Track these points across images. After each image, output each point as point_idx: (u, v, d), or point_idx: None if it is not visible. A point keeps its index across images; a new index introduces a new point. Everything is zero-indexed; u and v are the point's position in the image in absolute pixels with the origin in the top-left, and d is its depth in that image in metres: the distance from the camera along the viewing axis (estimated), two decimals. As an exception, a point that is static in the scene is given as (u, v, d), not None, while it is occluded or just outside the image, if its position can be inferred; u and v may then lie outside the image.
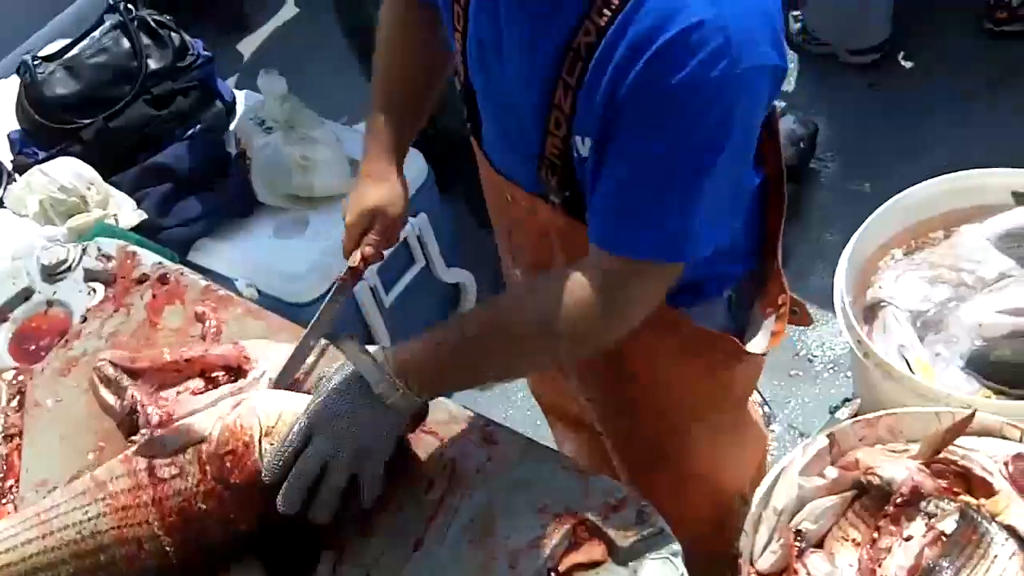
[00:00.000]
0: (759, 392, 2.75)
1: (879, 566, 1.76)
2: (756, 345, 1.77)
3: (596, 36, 1.33)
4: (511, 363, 1.53)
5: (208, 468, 1.48)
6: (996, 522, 1.72)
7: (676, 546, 1.36)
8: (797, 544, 1.85)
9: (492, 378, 1.62)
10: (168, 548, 1.49)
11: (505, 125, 1.58)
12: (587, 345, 1.48)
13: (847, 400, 2.56)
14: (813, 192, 3.24)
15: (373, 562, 1.48)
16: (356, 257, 1.77)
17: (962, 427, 1.86)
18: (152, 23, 2.90)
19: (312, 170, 2.69)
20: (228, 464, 1.46)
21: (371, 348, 1.45)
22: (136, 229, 2.58)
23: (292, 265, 2.64)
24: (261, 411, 1.48)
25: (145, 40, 2.87)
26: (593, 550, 1.39)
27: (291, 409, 1.47)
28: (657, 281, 1.44)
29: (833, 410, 2.67)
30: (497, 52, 1.48)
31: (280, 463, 1.41)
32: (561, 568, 1.39)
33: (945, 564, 1.68)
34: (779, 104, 3.44)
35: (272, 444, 1.44)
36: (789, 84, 3.60)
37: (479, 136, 1.70)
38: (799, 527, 1.86)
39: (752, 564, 1.86)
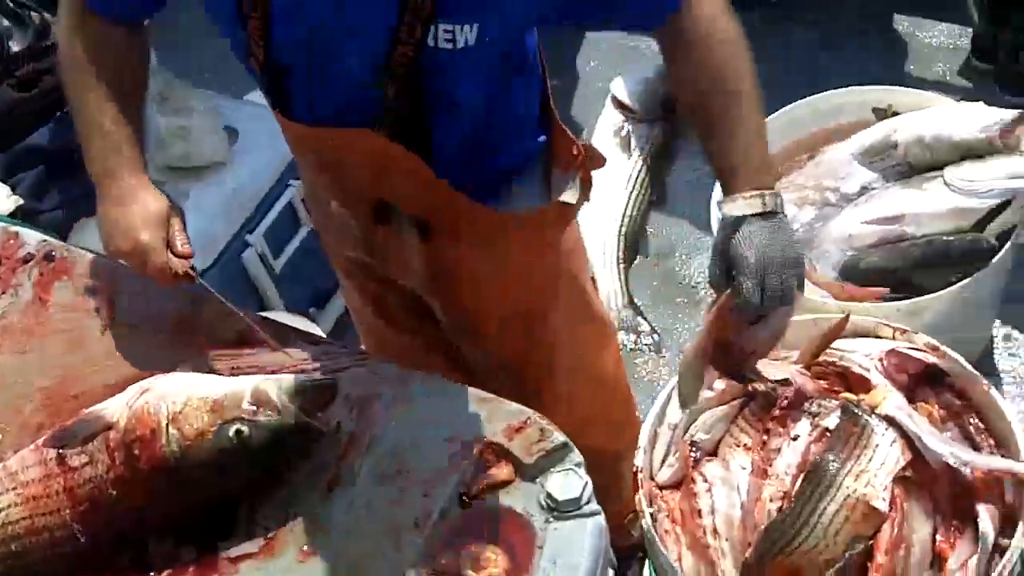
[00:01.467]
0: (647, 321, 2.84)
1: (770, 466, 1.85)
2: (571, 196, 1.81)
3: None
4: None
5: (117, 455, 1.48)
6: (875, 414, 1.81)
7: (578, 457, 1.42)
8: (693, 455, 1.93)
9: None
10: (80, 536, 1.49)
11: (330, 67, 1.59)
12: None
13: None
14: (685, 128, 3.32)
15: (291, 501, 1.51)
16: (183, 264, 1.66)
17: (838, 331, 1.96)
18: (11, 3, 2.84)
19: (189, 140, 2.68)
20: (136, 451, 1.47)
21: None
22: (13, 215, 2.54)
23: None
24: (168, 397, 1.49)
25: (4, 22, 2.81)
26: (501, 471, 1.45)
27: (199, 394, 1.49)
28: None
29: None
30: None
31: None
32: (473, 491, 1.44)
33: (831, 457, 1.76)
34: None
35: (179, 430, 1.46)
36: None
37: (287, 108, 1.69)
38: (693, 439, 1.95)
39: (652, 478, 1.94)
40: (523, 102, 1.77)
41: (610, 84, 3.26)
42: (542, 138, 1.83)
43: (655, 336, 2.84)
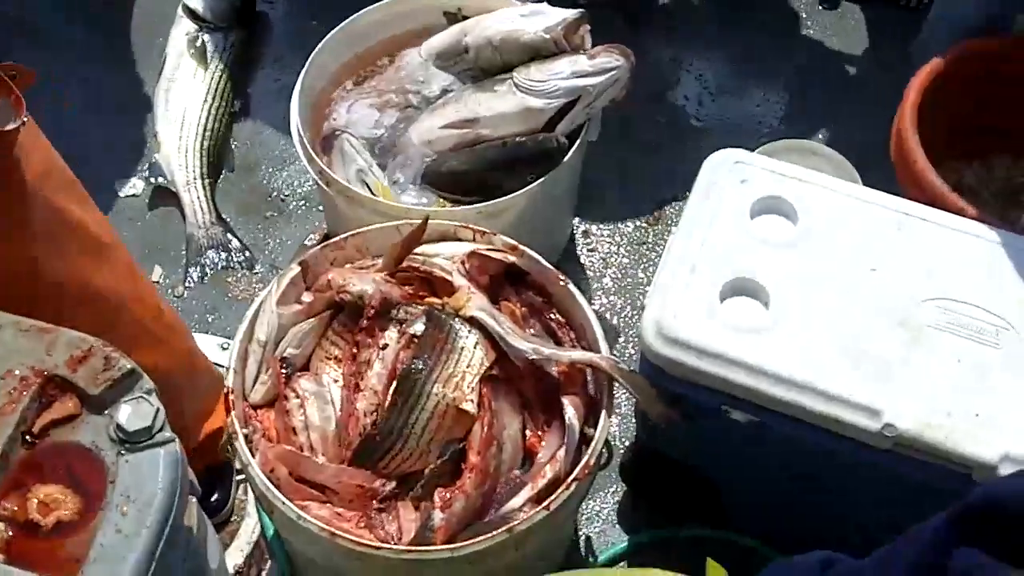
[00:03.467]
0: (237, 238, 2.76)
1: (362, 379, 1.84)
2: (6, 122, 1.61)
3: None
4: None
5: None
6: (459, 316, 1.85)
7: (148, 384, 1.35)
8: (284, 371, 1.90)
9: None
10: None
11: None
12: None
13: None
14: (264, 35, 3.22)
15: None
16: None
17: (417, 235, 1.97)
18: None
19: None
20: None
21: None
22: None
23: None
24: None
25: None
26: (65, 405, 1.35)
27: None
28: None
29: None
30: None
31: None
32: (36, 429, 1.34)
33: (419, 364, 1.79)
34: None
35: None
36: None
37: None
38: (284, 355, 1.91)
39: (245, 399, 1.89)
40: None
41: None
42: None
43: (246, 252, 2.76)
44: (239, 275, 2.74)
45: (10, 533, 1.28)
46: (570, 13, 2.28)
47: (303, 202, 2.86)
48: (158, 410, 1.31)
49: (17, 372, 1.36)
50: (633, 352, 2.56)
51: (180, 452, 1.32)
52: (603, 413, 1.84)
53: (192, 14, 3.03)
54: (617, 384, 1.86)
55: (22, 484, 1.31)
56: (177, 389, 1.91)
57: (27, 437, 1.33)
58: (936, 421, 1.72)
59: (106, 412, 1.33)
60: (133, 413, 1.30)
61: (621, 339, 2.60)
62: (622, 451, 2.37)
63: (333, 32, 2.50)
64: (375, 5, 2.54)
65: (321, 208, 2.79)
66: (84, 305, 1.83)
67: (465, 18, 2.47)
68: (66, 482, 1.30)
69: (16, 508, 1.29)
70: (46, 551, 1.27)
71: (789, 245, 1.91)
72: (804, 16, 3.20)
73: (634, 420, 2.37)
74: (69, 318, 1.71)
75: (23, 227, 1.72)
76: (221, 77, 2.98)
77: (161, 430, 1.31)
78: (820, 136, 2.91)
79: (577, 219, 2.76)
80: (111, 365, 1.35)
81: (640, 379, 1.85)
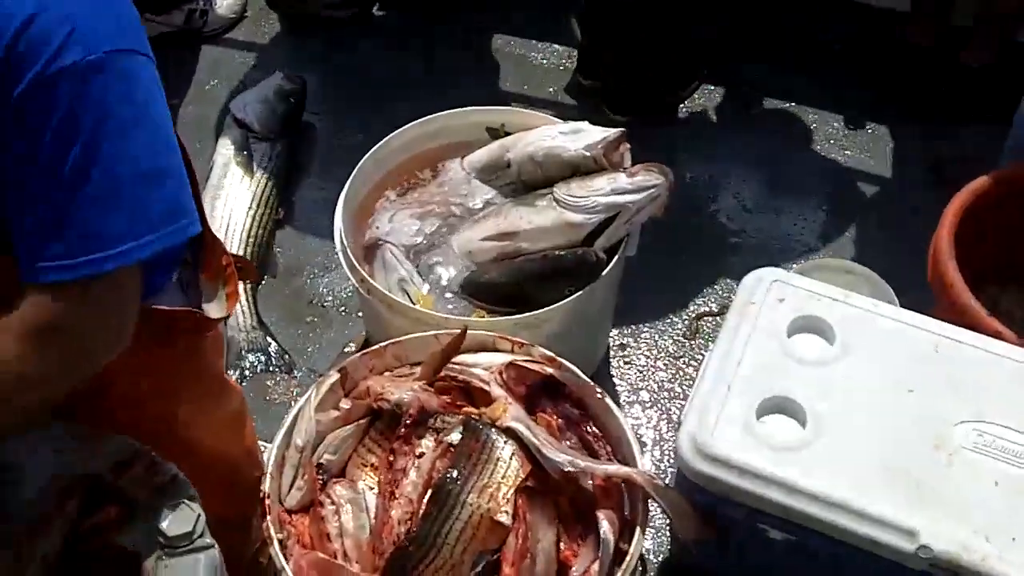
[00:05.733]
0: (276, 342, 2.79)
1: (397, 487, 1.85)
2: (216, 311, 1.74)
3: None
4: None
5: None
6: (496, 427, 1.86)
7: (190, 490, 1.37)
8: (320, 477, 1.91)
9: None
10: None
11: None
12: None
13: (358, 340, 2.65)
14: (310, 145, 3.30)
15: None
16: None
17: (456, 345, 2.00)
18: None
19: None
20: None
21: None
22: None
23: None
24: None
25: None
26: (109, 510, 1.37)
27: None
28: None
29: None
30: None
31: None
32: (80, 532, 1.37)
33: (454, 474, 1.80)
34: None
35: None
36: (265, 37, 3.64)
37: None
38: (320, 460, 1.93)
39: (281, 503, 1.90)
40: None
41: (230, 104, 3.20)
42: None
43: (286, 356, 2.80)
44: (278, 379, 2.77)
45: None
46: (611, 132, 2.32)
47: (343, 308, 2.90)
48: (199, 516, 1.33)
49: (64, 476, 1.39)
50: (668, 466, 2.55)
51: (219, 559, 1.33)
52: (638, 528, 1.84)
53: (240, 124, 3.11)
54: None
55: (67, 588, 1.33)
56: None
57: (70, 540, 1.35)
58: (973, 544, 1.71)
59: (149, 517, 1.36)
60: (175, 518, 1.32)
61: (656, 453, 2.60)
62: (655, 566, 2.35)
63: (378, 145, 2.56)
64: (418, 121, 2.61)
65: (360, 314, 2.82)
66: (223, 472, 1.87)
67: (507, 134, 2.53)
68: (111, 584, 1.32)
69: (62, 611, 1.31)
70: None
71: (826, 364, 1.92)
72: (835, 135, 3.25)
73: (668, 535, 2.36)
74: (212, 485, 1.75)
75: (181, 396, 1.76)
76: (267, 185, 3.05)
77: (201, 536, 1.33)
78: (855, 254, 2.93)
79: (614, 331, 2.78)
80: (156, 471, 1.37)
81: (676, 496, 1.85)
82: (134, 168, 1.31)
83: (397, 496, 1.85)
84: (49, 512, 1.39)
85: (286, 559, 1.80)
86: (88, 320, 1.32)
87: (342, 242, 2.38)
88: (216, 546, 1.33)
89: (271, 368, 2.78)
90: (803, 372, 1.91)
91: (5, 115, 1.23)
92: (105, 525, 1.37)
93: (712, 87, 3.37)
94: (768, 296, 2.01)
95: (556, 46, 3.55)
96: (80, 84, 1.24)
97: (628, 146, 2.36)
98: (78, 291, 1.30)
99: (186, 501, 1.35)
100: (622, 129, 2.35)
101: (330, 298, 2.93)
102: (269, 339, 2.81)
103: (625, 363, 2.76)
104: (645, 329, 2.82)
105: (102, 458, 1.42)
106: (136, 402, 1.63)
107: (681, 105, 3.30)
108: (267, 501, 1.86)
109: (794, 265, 2.60)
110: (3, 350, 1.29)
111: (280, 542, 1.82)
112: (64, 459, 1.44)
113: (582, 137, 2.33)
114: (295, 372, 2.79)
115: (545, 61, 3.52)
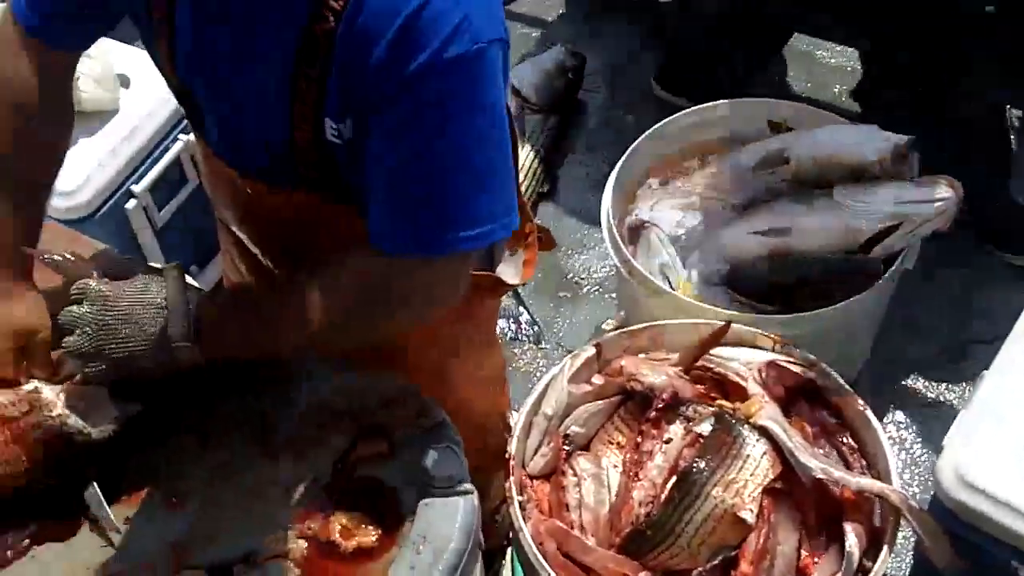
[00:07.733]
0: (528, 311, 2.83)
1: (641, 468, 1.84)
2: (511, 275, 1.77)
3: (335, 20, 1.27)
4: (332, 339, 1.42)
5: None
6: (749, 424, 1.82)
7: (456, 437, 1.40)
8: (565, 447, 1.92)
9: (287, 355, 1.52)
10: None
11: (241, 124, 1.47)
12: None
13: (614, 318, 2.65)
14: (582, 121, 3.32)
15: (162, 466, 1.46)
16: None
17: (718, 337, 1.97)
18: None
19: (78, 85, 2.56)
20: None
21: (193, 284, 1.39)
22: None
23: (63, 183, 2.51)
24: None
25: None
26: (377, 443, 1.41)
27: None
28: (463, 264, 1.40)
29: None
30: (224, 54, 1.39)
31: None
32: (347, 461, 1.41)
33: (702, 464, 1.77)
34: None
35: None
36: (553, 14, 3.66)
37: (203, 133, 1.57)
38: (567, 431, 1.94)
39: (524, 467, 1.92)
40: None
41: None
42: None
43: (535, 327, 2.83)
44: (525, 347, 2.80)
45: (308, 551, 1.35)
46: (902, 139, 2.25)
47: (597, 287, 2.91)
48: (463, 462, 1.35)
49: (339, 409, 1.44)
50: (917, 491, 2.46)
51: (477, 505, 1.35)
52: (885, 547, 1.77)
53: (516, 94, 3.15)
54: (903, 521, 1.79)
55: (328, 509, 1.37)
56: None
57: (339, 466, 1.40)
58: None
59: (414, 456, 1.39)
60: (440, 459, 1.35)
61: (906, 475, 2.50)
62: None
63: (649, 131, 2.55)
64: (692, 108, 2.58)
65: (614, 295, 2.82)
66: (470, 424, 1.92)
67: (789, 129, 2.48)
68: (368, 514, 1.36)
69: (319, 529, 1.36)
70: (339, 573, 1.33)
71: (1112, 402, 1.80)
72: None
73: (910, 559, 2.27)
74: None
75: (455, 357, 1.83)
76: (535, 157, 3.08)
77: (463, 481, 1.35)
78: None
79: (877, 343, 2.68)
80: (425, 413, 1.41)
81: (931, 520, 1.77)
82: (494, 155, 1.34)
83: (640, 478, 1.83)
84: (321, 436, 1.44)
85: (524, 521, 1.82)
86: (420, 292, 1.36)
87: (609, 221, 2.39)
88: (476, 493, 1.35)
89: (520, 336, 2.81)
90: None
91: (389, 91, 1.26)
92: (369, 458, 1.41)
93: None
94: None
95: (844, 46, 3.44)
96: (465, 73, 1.26)
97: (917, 155, 2.28)
98: (421, 264, 1.33)
99: (452, 446, 1.38)
100: (912, 136, 2.27)
101: (584, 276, 2.95)
102: (521, 308, 2.85)
103: (884, 378, 2.66)
104: (909, 346, 2.72)
105: (374, 393, 1.46)
106: (420, 354, 1.68)
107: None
108: (511, 462, 1.88)
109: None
110: (336, 311, 1.33)
111: (520, 504, 1.84)
112: (337, 385, 1.49)
113: (873, 142, 2.26)
114: (543, 343, 2.82)
115: (833, 60, 3.42)
